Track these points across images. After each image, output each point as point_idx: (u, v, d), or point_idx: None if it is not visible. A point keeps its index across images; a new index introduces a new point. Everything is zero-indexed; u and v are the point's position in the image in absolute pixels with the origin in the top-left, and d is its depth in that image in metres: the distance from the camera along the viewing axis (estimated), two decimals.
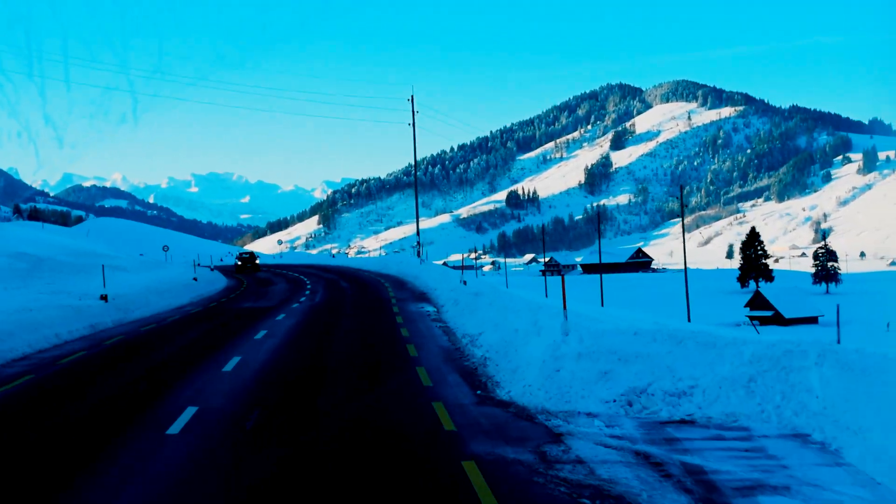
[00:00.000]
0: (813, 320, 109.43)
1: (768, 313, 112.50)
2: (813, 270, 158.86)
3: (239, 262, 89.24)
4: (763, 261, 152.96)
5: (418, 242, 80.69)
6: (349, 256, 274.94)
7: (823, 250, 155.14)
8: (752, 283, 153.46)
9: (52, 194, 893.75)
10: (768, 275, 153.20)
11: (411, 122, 50.27)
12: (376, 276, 65.49)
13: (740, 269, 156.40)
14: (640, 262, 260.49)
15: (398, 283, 55.19)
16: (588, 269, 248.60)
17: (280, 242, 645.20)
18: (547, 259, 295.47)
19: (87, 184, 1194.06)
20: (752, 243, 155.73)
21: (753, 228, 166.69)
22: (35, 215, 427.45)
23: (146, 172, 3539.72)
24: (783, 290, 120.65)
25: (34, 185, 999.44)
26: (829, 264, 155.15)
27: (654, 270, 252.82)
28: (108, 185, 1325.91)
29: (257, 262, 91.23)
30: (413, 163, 48.07)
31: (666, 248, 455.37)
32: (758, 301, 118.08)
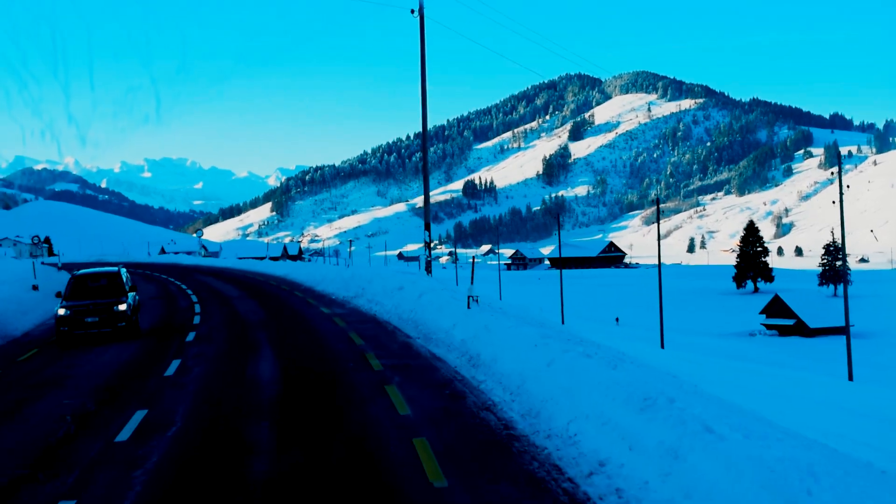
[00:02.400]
0: (840, 331, 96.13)
1: (789, 321, 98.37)
2: (819, 269, 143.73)
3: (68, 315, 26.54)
4: (763, 258, 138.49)
5: (428, 244, 38.03)
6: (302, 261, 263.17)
7: (832, 247, 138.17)
8: (750, 283, 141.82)
9: (0, 177, 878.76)
10: (768, 274, 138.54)
11: (420, 38, 32.28)
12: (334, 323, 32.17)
13: (736, 266, 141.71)
14: (613, 257, 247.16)
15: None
16: (557, 262, 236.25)
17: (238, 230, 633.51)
18: (513, 252, 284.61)
19: (38, 167, 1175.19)
20: (750, 239, 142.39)
21: (752, 223, 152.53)
22: None
23: (99, 157, 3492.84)
24: (790, 292, 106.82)
25: None
26: (838, 263, 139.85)
27: (626, 266, 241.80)
28: (60, 168, 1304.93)
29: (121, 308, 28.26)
30: (422, 104, 25.64)
31: (625, 241, 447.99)
32: (776, 307, 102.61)
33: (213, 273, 64.94)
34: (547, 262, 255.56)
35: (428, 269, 38.42)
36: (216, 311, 33.32)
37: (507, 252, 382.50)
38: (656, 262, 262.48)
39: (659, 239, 72.02)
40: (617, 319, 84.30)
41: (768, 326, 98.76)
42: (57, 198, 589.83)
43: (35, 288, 38.39)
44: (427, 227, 37.94)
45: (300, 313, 31.21)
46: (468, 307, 23.71)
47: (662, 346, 56.82)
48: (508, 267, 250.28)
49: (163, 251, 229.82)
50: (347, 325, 25.85)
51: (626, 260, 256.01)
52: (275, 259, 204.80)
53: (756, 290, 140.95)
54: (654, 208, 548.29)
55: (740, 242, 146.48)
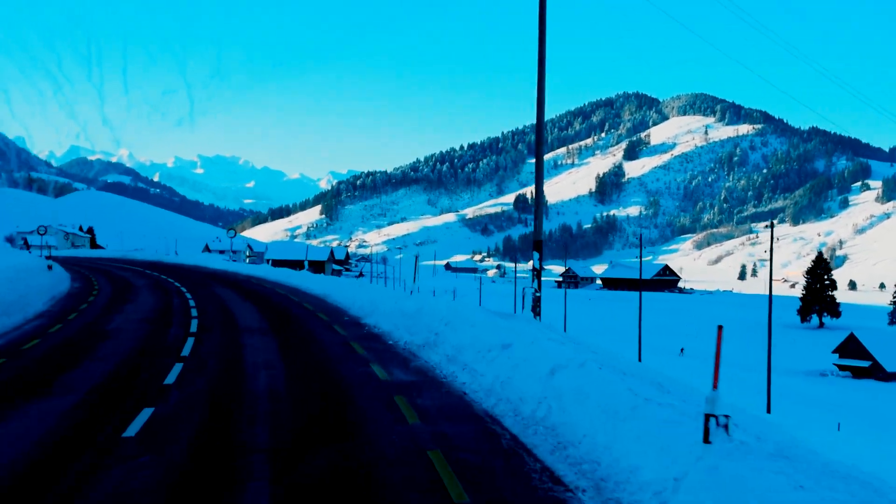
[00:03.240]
0: None
1: (864, 363, 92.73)
2: (889, 307, 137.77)
3: None
4: (830, 292, 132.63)
5: (537, 272, 24.60)
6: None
7: None
8: (815, 318, 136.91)
9: (55, 165, 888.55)
10: (835, 310, 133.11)
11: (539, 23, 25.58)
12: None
13: (802, 300, 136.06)
14: (667, 281, 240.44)
15: None
16: (609, 283, 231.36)
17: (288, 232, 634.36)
18: (563, 269, 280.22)
19: (92, 157, 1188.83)
20: (817, 271, 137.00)
21: (820, 254, 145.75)
22: (28, 185, 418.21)
23: (153, 151, 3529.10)
24: (862, 331, 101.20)
25: (41, 155, 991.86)
26: None
27: (681, 290, 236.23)
28: (114, 160, 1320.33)
29: None
30: (538, 101, 20.82)
31: (675, 264, 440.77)
32: (851, 347, 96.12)
33: (238, 285, 51.15)
34: (599, 281, 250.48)
35: (536, 307, 23.96)
36: (213, 360, 19.70)
37: (556, 269, 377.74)
38: (711, 288, 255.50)
39: (771, 269, 68.44)
40: (682, 350, 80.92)
41: (841, 367, 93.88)
42: (109, 189, 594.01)
43: None
44: (537, 248, 24.07)
45: (339, 377, 17.83)
46: (706, 438, 9.55)
47: (769, 403, 53.50)
48: (559, 285, 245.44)
49: (207, 249, 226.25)
50: (424, 422, 13.60)
51: (680, 284, 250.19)
52: (317, 264, 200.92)
53: (821, 325, 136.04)
54: (706, 232, 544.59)
55: (806, 274, 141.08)
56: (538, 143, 25.70)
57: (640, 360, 54.40)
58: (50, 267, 50.40)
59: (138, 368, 18.32)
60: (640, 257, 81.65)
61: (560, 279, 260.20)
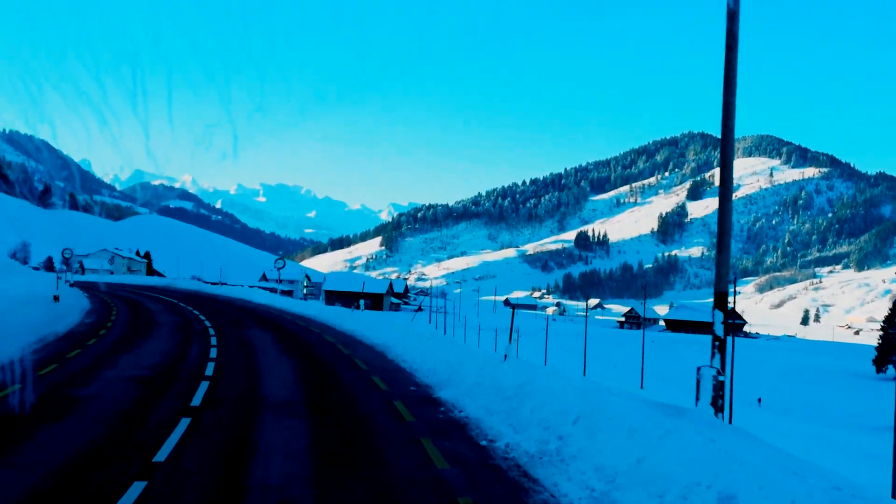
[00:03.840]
0: None
1: None
2: None
3: None
4: None
5: (721, 315, 15.39)
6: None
7: None
8: (892, 369, 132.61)
9: (118, 189, 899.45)
10: None
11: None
12: None
13: (878, 349, 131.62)
14: (732, 325, 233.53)
15: None
16: (673, 325, 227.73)
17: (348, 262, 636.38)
18: (626, 309, 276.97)
19: (155, 182, 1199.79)
20: (894, 319, 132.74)
21: None
22: (87, 208, 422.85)
23: (216, 177, 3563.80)
24: None
25: (105, 178, 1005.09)
26: None
27: (746, 335, 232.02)
28: (177, 185, 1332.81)
29: None
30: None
31: (737, 307, 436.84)
32: None
33: (280, 327, 41.69)
34: (662, 322, 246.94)
35: (717, 400, 14.60)
36: (200, 477, 11.77)
37: (617, 308, 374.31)
38: (776, 333, 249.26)
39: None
40: (759, 400, 79.24)
41: None
42: (171, 214, 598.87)
43: None
44: (720, 304, 16.05)
45: None
46: None
47: None
48: (621, 325, 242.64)
49: (264, 277, 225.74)
50: None
51: (746, 329, 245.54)
52: (376, 297, 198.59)
53: None
54: (769, 276, 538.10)
55: (884, 322, 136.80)
56: (723, 167, 13.61)
57: (729, 420, 52.09)
58: (56, 298, 43.94)
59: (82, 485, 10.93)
60: (735, 296, 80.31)
61: (622, 319, 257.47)
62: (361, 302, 69.35)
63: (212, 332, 35.74)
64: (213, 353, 27.38)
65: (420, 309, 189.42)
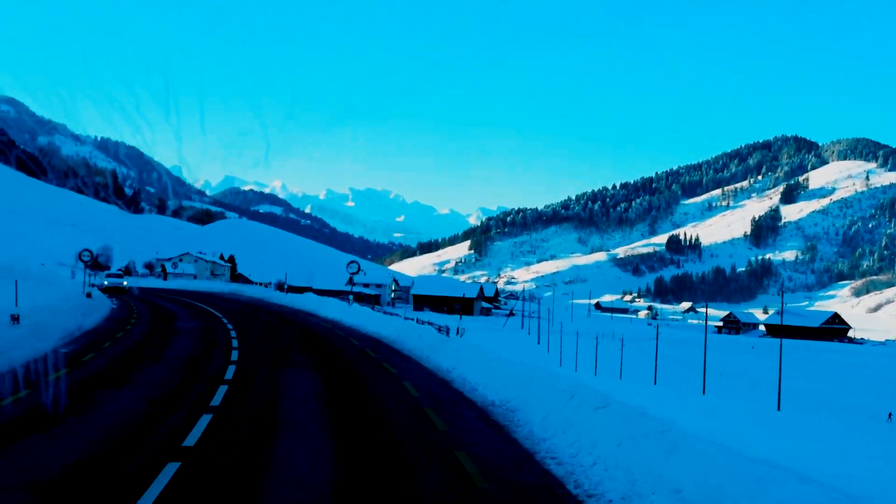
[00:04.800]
0: None
1: None
2: None
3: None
4: None
5: None
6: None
7: None
8: None
9: (209, 194, 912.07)
10: None
11: None
12: None
13: None
14: (836, 330, 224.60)
15: None
16: (773, 330, 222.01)
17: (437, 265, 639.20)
18: (725, 314, 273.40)
19: (245, 188, 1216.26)
20: None
21: None
22: (176, 213, 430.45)
23: (306, 182, 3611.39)
24: None
25: (196, 184, 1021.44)
26: None
27: (850, 340, 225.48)
28: (266, 191, 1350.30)
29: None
30: None
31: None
32: None
33: (343, 362, 28.28)
34: (762, 327, 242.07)
35: None
36: None
37: (712, 312, 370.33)
38: (875, 338, 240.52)
39: None
40: (890, 415, 74.97)
41: None
42: (260, 219, 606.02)
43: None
44: None
45: None
46: None
47: None
48: (719, 330, 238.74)
49: (351, 281, 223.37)
50: None
51: (850, 334, 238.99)
52: (466, 301, 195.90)
53: None
54: (865, 279, 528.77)
55: None
56: None
57: None
58: (15, 318, 28.85)
59: None
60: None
61: (720, 323, 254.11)
62: (460, 327, 65.19)
63: (229, 375, 22.24)
64: (208, 418, 15.54)
65: (511, 314, 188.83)
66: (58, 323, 32.57)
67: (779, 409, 54.94)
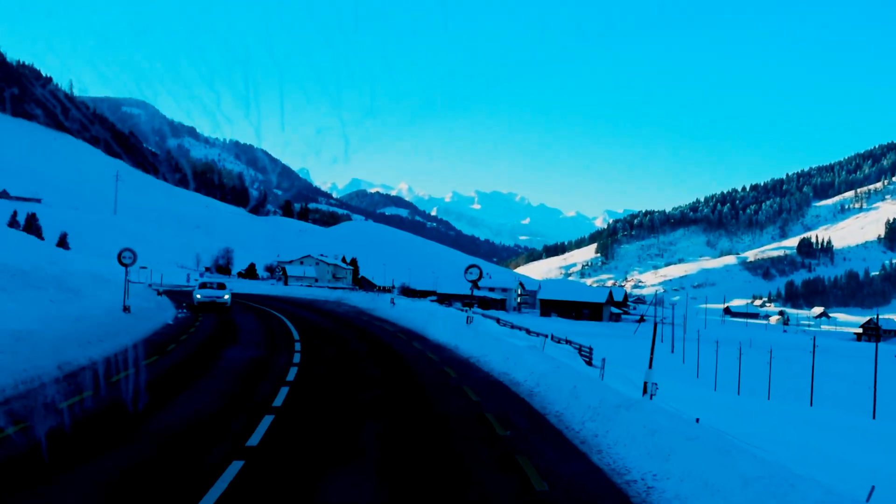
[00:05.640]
0: None
1: None
2: None
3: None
4: None
5: None
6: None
7: None
8: None
9: (335, 197, 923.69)
10: None
11: None
12: None
13: None
14: None
15: None
16: None
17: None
18: (865, 320, 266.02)
19: (372, 190, 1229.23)
20: None
21: None
22: (302, 215, 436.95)
23: (432, 185, 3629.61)
24: None
25: (323, 187, 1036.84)
26: None
27: None
28: (392, 193, 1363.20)
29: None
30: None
31: None
32: None
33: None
34: None
35: None
36: None
37: (841, 316, 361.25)
38: None
39: None
40: None
41: None
42: (386, 221, 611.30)
43: None
44: None
45: None
46: None
47: None
48: (858, 337, 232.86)
49: (475, 286, 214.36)
50: None
51: None
52: (594, 307, 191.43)
53: None
54: None
55: None
56: None
57: None
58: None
59: None
60: None
61: (860, 331, 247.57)
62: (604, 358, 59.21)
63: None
64: None
65: (642, 319, 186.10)
66: None
67: None
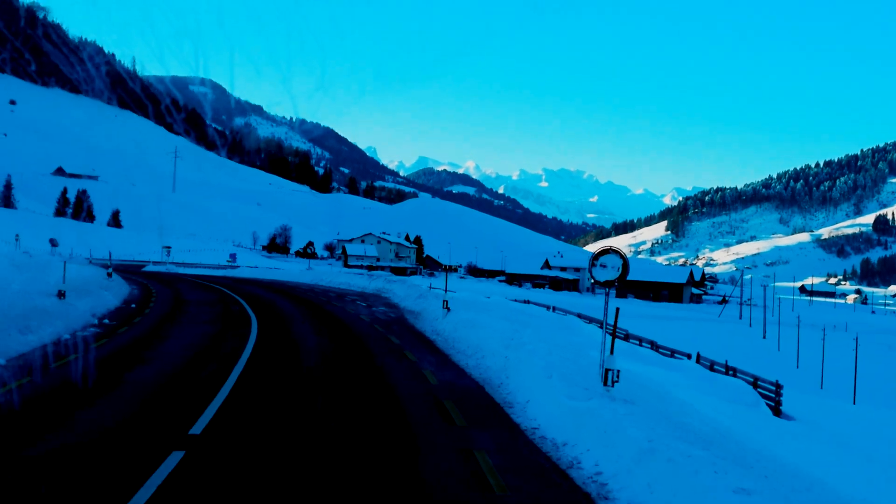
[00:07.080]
0: None
1: None
2: None
3: None
4: None
5: None
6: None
7: None
8: None
9: (402, 175, 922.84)
10: None
11: None
12: None
13: None
14: None
15: None
16: None
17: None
18: None
19: (439, 168, 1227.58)
20: None
21: None
22: (368, 193, 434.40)
23: (499, 163, 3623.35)
24: None
25: (390, 165, 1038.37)
26: None
27: None
28: (460, 171, 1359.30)
29: None
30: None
31: None
32: None
33: None
34: None
35: None
36: None
37: None
38: None
39: None
40: None
41: None
42: (452, 199, 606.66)
43: None
44: None
45: None
46: None
47: None
48: None
49: (547, 265, 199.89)
50: None
51: None
52: (674, 287, 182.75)
53: None
54: None
55: None
56: None
57: None
58: None
59: None
60: None
61: None
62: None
63: None
64: None
65: (725, 300, 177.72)
66: None
67: None
